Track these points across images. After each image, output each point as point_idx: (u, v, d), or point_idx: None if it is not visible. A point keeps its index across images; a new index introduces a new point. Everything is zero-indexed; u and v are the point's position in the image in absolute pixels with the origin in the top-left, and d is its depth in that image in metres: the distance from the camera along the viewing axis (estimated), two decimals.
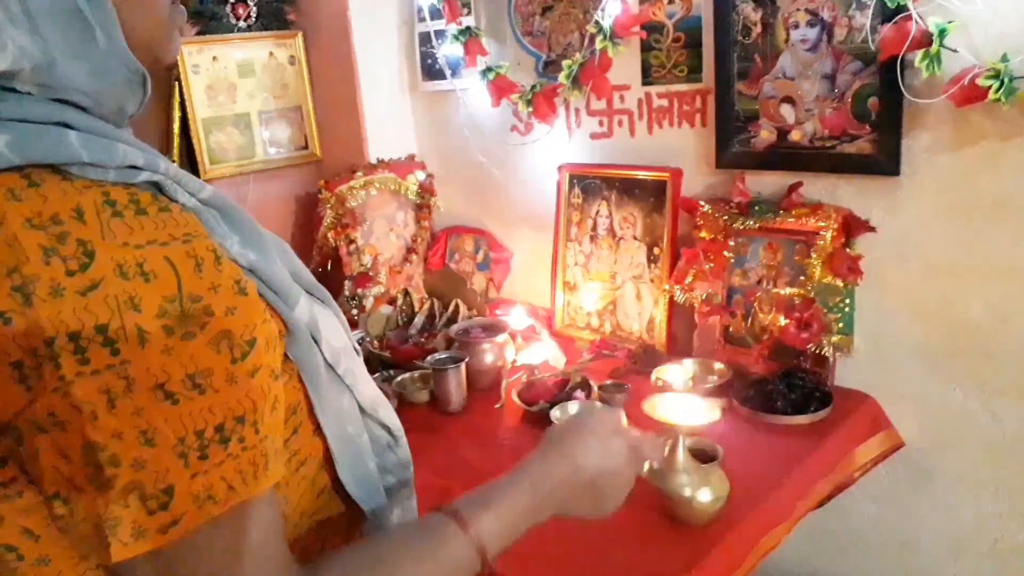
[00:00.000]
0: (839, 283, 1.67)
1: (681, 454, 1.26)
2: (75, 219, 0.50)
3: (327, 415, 0.67)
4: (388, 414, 0.76)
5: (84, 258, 0.49)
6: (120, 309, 0.50)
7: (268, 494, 0.58)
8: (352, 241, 2.24)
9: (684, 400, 1.24)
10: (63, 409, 0.49)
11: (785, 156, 1.72)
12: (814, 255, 1.68)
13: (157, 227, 0.53)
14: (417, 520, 0.73)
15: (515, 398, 1.74)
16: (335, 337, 0.69)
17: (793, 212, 1.71)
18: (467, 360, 1.78)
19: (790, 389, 1.65)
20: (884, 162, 1.58)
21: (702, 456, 1.33)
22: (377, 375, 1.91)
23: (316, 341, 0.66)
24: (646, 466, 1.05)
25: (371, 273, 2.20)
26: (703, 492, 1.28)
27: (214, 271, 0.54)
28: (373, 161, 2.38)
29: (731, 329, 1.85)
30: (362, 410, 0.72)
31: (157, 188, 0.56)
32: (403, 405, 1.76)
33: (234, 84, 2.37)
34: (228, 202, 0.62)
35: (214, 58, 2.31)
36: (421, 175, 2.40)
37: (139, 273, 0.51)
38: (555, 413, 1.62)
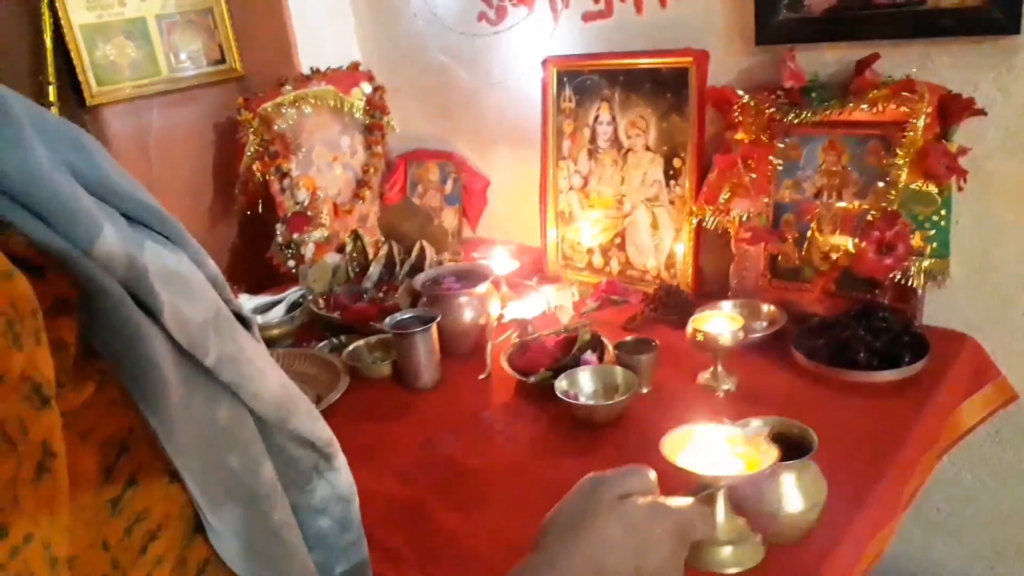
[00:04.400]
0: (931, 189, 1.25)
1: (721, 510, 0.87)
2: None
3: (183, 448, 0.40)
4: (308, 420, 0.49)
5: None
6: None
7: None
8: (285, 174, 1.77)
9: (715, 433, 0.80)
10: None
11: (853, 20, 1.30)
12: (899, 152, 1.25)
13: None
14: None
15: (505, 365, 1.32)
16: (191, 303, 0.42)
17: (867, 97, 1.28)
18: (439, 319, 1.34)
19: (872, 334, 1.23)
20: (998, 16, 1.17)
21: (788, 445, 0.92)
22: (324, 344, 1.47)
23: (152, 310, 0.39)
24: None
25: (309, 213, 1.73)
26: (793, 500, 0.89)
27: None
28: (306, 72, 1.89)
29: (780, 259, 1.42)
30: (259, 420, 0.46)
31: None
32: (358, 382, 1.33)
33: None
34: None
35: None
36: (367, 87, 1.92)
37: None
38: (561, 385, 1.20)
